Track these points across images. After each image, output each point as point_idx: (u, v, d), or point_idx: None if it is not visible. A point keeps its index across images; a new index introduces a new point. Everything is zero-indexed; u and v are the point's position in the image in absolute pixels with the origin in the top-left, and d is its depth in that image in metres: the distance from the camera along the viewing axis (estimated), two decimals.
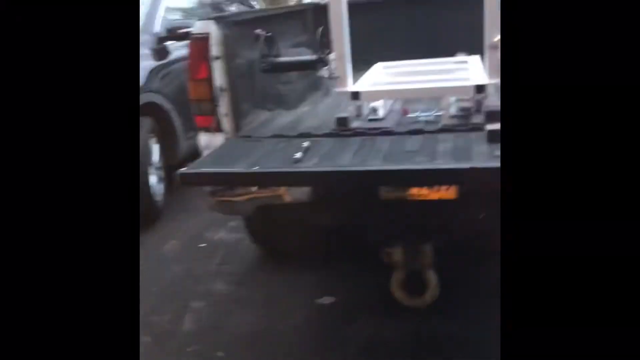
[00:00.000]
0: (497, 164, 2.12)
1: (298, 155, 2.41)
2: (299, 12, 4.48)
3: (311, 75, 3.82)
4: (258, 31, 2.95)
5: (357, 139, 2.64)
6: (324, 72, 2.95)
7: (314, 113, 3.27)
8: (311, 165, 2.34)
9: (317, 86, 3.87)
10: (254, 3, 7.26)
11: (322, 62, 2.91)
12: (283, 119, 3.19)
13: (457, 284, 2.93)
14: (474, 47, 3.97)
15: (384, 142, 2.55)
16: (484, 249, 3.13)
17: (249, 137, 2.84)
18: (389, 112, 3.02)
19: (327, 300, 3.28)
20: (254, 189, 2.68)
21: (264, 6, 7.87)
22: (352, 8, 2.94)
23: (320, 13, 4.62)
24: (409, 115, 2.90)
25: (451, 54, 4.13)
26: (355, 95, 2.86)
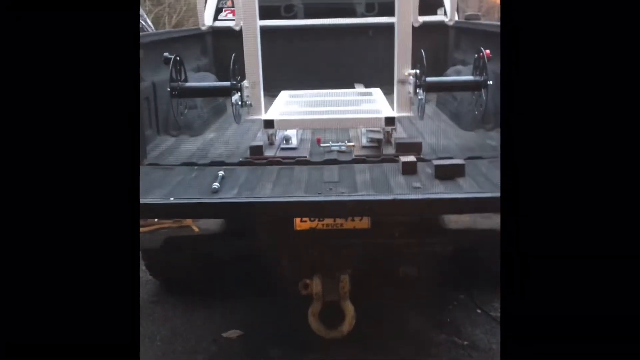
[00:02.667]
0: (419, 195, 2.23)
1: (216, 185, 2.32)
2: (198, 36, 4.38)
3: (215, 100, 3.73)
4: (167, 54, 2.82)
5: (274, 168, 2.60)
6: (235, 98, 2.88)
7: (222, 140, 3.18)
8: (231, 195, 2.26)
9: (220, 112, 3.78)
10: (142, 23, 6.98)
11: (235, 88, 2.84)
12: (189, 145, 3.07)
13: (372, 313, 2.97)
14: (371, 79, 4.15)
15: (302, 172, 2.53)
16: (399, 277, 3.21)
17: (157, 164, 2.69)
18: (301, 141, 3.01)
19: (234, 333, 3.16)
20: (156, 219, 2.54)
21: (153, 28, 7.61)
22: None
23: (219, 37, 4.58)
24: (322, 145, 2.91)
25: (347, 84, 4.26)
26: (269, 124, 2.82)
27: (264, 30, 2.99)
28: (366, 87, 4.09)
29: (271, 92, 3.51)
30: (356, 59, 4.69)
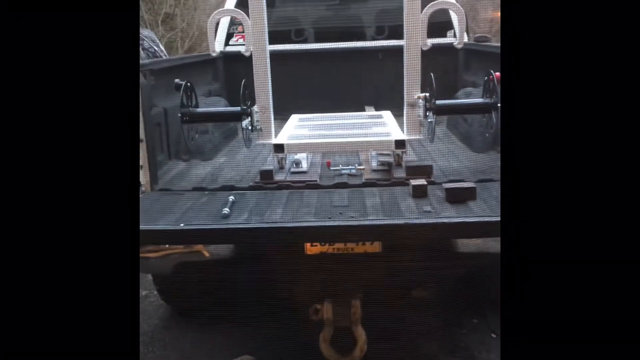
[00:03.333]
0: (430, 220, 2.21)
1: (226, 210, 2.32)
2: (210, 62, 4.43)
3: (226, 125, 3.76)
4: (177, 80, 2.85)
5: (284, 192, 2.60)
6: (246, 123, 2.90)
7: (233, 164, 3.19)
8: (241, 221, 2.26)
9: (231, 136, 3.80)
10: (154, 48, 7.09)
11: (245, 113, 2.86)
12: (200, 170, 3.08)
13: (385, 338, 2.92)
14: (382, 102, 4.17)
15: (312, 196, 2.53)
16: (411, 301, 3.17)
17: (169, 190, 2.70)
18: (311, 164, 3.02)
19: (245, 359, 3.13)
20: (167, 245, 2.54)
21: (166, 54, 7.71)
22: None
23: (230, 62, 4.62)
24: (332, 168, 2.91)
25: (357, 108, 4.27)
26: (279, 148, 2.83)
27: (275, 54, 3.02)
28: (376, 110, 4.11)
29: (282, 116, 3.53)
30: (366, 82, 4.71)
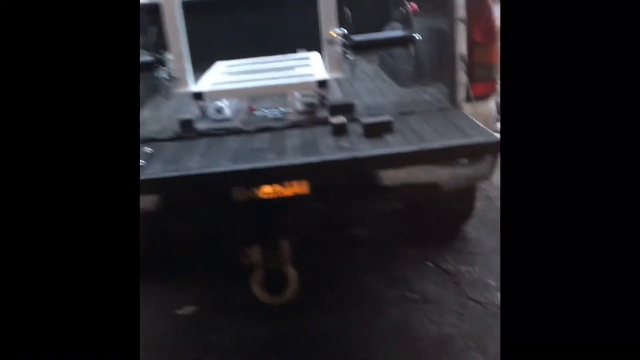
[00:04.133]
0: (345, 155, 2.21)
1: (141, 162, 2.27)
2: None
3: (148, 77, 3.64)
4: None
5: (204, 140, 2.56)
6: (162, 73, 2.81)
7: (156, 117, 3.12)
8: (155, 171, 2.23)
9: (156, 89, 3.70)
10: None
11: (159, 63, 2.77)
12: None
13: (316, 277, 2.97)
14: (314, 44, 4.10)
15: (233, 142, 2.50)
16: (340, 238, 3.22)
17: None
18: (236, 111, 2.96)
19: (187, 310, 3.16)
20: None
21: None
22: (188, 8, 2.85)
23: (153, 13, 4.44)
24: (256, 113, 2.87)
25: (291, 51, 4.19)
26: (198, 96, 2.77)
27: (204, 3, 2.90)
28: (308, 52, 4.03)
29: (210, 65, 3.45)
30: (296, 25, 4.61)
